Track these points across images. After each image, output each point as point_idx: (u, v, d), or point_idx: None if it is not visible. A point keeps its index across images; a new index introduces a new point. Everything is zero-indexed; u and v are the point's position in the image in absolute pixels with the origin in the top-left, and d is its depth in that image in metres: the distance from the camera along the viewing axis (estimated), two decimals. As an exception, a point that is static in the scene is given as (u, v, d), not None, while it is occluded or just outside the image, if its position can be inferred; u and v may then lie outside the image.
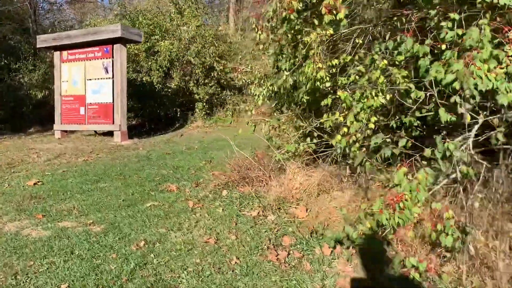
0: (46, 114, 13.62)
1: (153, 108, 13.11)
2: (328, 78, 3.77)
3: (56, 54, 10.24)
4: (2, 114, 13.04)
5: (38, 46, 10.29)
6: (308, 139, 4.60)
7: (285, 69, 3.87)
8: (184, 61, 12.56)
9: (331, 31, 3.74)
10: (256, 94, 5.26)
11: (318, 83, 3.77)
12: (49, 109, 13.39)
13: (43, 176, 5.96)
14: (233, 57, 13.90)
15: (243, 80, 5.57)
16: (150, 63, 12.59)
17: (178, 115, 13.16)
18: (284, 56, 3.84)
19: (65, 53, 10.09)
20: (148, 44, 12.57)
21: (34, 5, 21.07)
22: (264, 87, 5.13)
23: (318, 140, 4.59)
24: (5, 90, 13.40)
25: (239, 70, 5.15)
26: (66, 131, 10.39)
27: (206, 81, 13.00)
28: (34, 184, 5.42)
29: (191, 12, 13.24)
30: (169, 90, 13.13)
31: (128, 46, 10.35)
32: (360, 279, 2.81)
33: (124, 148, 8.64)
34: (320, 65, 3.64)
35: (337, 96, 3.97)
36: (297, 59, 3.79)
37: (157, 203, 4.37)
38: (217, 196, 4.60)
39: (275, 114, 5.98)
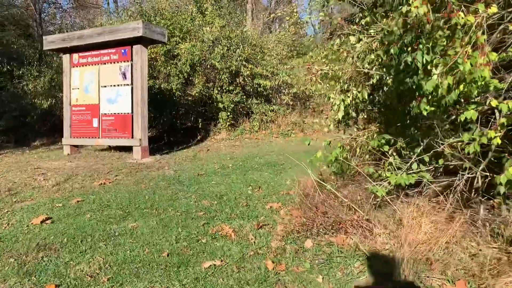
0: (52, 125, 12.50)
1: (172, 118, 11.93)
2: (493, 80, 2.54)
3: (66, 57, 9.10)
4: (4, 125, 11.93)
5: (45, 48, 9.16)
6: (415, 165, 3.36)
7: (426, 63, 2.60)
8: (208, 66, 11.39)
9: (494, 8, 2.52)
10: (335, 104, 4.00)
11: (473, 86, 2.52)
12: (56, 120, 12.28)
13: (52, 208, 4.76)
14: (259, 61, 12.72)
15: (317, 87, 4.28)
16: (169, 68, 11.44)
17: (200, 126, 11.96)
18: (423, 45, 2.58)
19: (75, 56, 8.95)
20: (166, 46, 11.42)
21: (39, 8, 20.15)
22: (348, 94, 3.88)
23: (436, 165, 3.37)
24: (8, 98, 12.31)
25: (312, 71, 3.89)
26: (76, 146, 9.22)
27: (231, 88, 11.81)
28: (42, 222, 4.22)
29: (214, 11, 12.10)
30: (189, 98, 11.95)
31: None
32: None
33: (146, 167, 7.43)
34: (486, 58, 2.40)
35: (488, 107, 2.74)
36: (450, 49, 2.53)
37: (218, 261, 3.11)
38: (300, 250, 3.33)
39: (348, 129, 4.73)
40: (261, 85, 12.20)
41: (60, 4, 28.05)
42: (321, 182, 4.01)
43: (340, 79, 3.88)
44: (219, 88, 11.75)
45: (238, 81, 11.92)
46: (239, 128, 12.13)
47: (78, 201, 5.06)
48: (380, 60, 3.70)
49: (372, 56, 3.74)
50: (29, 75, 12.64)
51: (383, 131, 4.27)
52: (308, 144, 4.44)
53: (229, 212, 4.52)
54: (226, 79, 11.39)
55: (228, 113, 11.71)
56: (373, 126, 4.14)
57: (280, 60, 13.73)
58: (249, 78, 12.22)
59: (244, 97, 12.14)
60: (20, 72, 12.57)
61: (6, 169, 7.27)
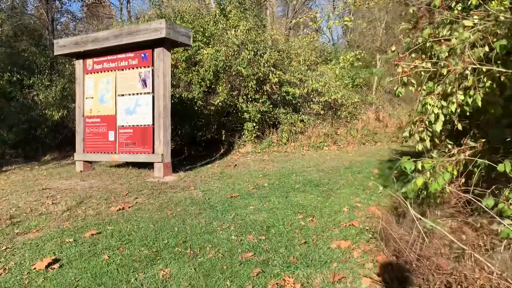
0: (64, 138, 11.74)
1: (193, 130, 11.06)
2: None
3: (78, 63, 8.31)
4: (13, 139, 11.19)
5: (56, 53, 8.39)
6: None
7: None
8: (233, 73, 10.51)
9: None
10: (431, 112, 3.03)
11: None
12: (68, 132, 11.52)
13: (61, 245, 3.86)
14: (286, 67, 11.82)
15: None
16: (190, 75, 10.61)
17: (223, 138, 11.06)
18: None
19: (89, 61, 8.16)
20: (188, 52, 10.61)
21: (51, 16, 19.66)
22: (453, 99, 2.91)
23: None
24: (17, 109, 11.58)
25: (403, 69, 2.94)
26: (90, 162, 8.37)
27: (257, 96, 10.91)
28: (48, 266, 3.33)
29: (238, 14, 11.26)
30: (212, 108, 11.08)
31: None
32: None
33: (170, 187, 6.52)
34: None
35: None
36: None
37: None
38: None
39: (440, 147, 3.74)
40: (290, 93, 11.28)
41: (72, 13, 27.75)
42: (420, 216, 2.99)
43: (441, 79, 2.91)
44: (244, 97, 10.87)
45: (265, 89, 11.02)
46: (266, 140, 11.20)
47: (92, 234, 4.16)
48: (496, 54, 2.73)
49: (487, 49, 2.77)
50: (40, 84, 11.92)
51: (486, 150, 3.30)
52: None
53: (286, 253, 3.55)
54: (253, 86, 10.49)
55: (254, 124, 10.80)
56: (479, 143, 3.14)
57: (308, 67, 12.81)
58: (277, 86, 11.33)
59: (271, 106, 11.22)
60: (31, 82, 11.87)
61: (11, 190, 6.44)
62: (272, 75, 10.65)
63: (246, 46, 10.48)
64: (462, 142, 3.67)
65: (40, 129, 11.61)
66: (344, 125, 12.60)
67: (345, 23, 21.63)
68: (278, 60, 11.43)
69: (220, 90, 10.61)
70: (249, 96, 10.82)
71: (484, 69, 2.69)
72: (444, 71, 2.79)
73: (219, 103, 10.65)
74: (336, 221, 4.49)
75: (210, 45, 10.86)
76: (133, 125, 7.58)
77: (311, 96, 12.16)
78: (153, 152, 7.30)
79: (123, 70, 7.74)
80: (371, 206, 5.05)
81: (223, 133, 11.14)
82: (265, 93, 11.15)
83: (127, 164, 8.38)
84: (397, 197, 3.77)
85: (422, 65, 3.00)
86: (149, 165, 7.85)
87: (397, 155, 10.34)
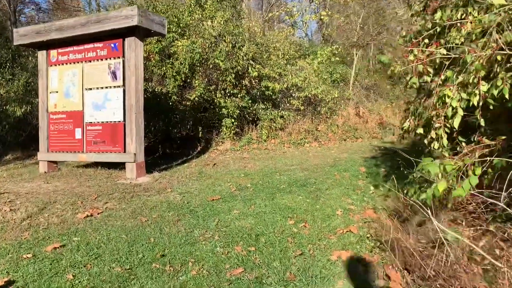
0: (28, 136, 10.94)
1: (167, 126, 10.49)
2: None
3: (42, 54, 7.62)
4: (-30, 137, 10.33)
5: (16, 43, 7.66)
6: None
7: None
8: (210, 66, 9.98)
9: None
10: (449, 106, 2.65)
11: None
12: (32, 129, 10.74)
13: (17, 263, 3.33)
14: (265, 61, 11.37)
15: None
16: (164, 68, 10.02)
17: (200, 135, 10.53)
18: None
19: (53, 52, 7.49)
20: (162, 43, 10.02)
21: (14, 6, 18.57)
22: (475, 91, 2.53)
23: None
24: (-25, 105, 10.71)
25: (416, 56, 2.53)
26: (55, 162, 7.71)
27: (236, 91, 10.43)
28: (-2, 292, 2.80)
29: (214, 4, 10.72)
30: (187, 103, 10.53)
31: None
32: None
33: (144, 189, 5.98)
34: None
35: None
36: None
37: None
38: None
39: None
40: (269, 88, 10.85)
41: (37, 3, 26.46)
42: (443, 227, 2.60)
43: (462, 67, 2.53)
44: (222, 92, 10.36)
45: (243, 84, 10.56)
46: (245, 137, 10.74)
47: (55, 248, 3.62)
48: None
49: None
50: (0, 78, 11.06)
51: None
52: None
53: (281, 268, 3.12)
54: (232, 81, 10.00)
55: (233, 120, 10.32)
56: (497, 140, 2.79)
57: (287, 61, 12.40)
58: (256, 80, 10.88)
59: (250, 101, 10.76)
60: (-10, 75, 11.00)
61: (-37, 195, 5.76)
62: (251, 69, 10.19)
63: (224, 38, 9.97)
64: (473, 139, 3.32)
65: (1, 126, 10.77)
66: (325, 121, 12.27)
67: (322, 17, 21.39)
68: (256, 53, 10.97)
69: (197, 84, 10.06)
70: (227, 91, 10.33)
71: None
72: (469, 57, 2.41)
73: (196, 98, 10.11)
74: (331, 227, 4.09)
75: (185, 37, 10.29)
76: (102, 122, 6.98)
77: (291, 91, 11.77)
78: (125, 151, 6.73)
79: (91, 61, 7.11)
80: (366, 209, 4.68)
81: (199, 129, 10.61)
82: (244, 87, 10.68)
83: (96, 164, 7.75)
84: (414, 203, 3.39)
85: (440, 51, 2.61)
86: (120, 165, 7.26)
87: (381, 151, 10.11)
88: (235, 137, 10.67)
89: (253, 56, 10.62)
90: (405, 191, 4.07)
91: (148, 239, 3.83)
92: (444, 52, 2.62)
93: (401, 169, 7.32)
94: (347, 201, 5.12)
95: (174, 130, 10.68)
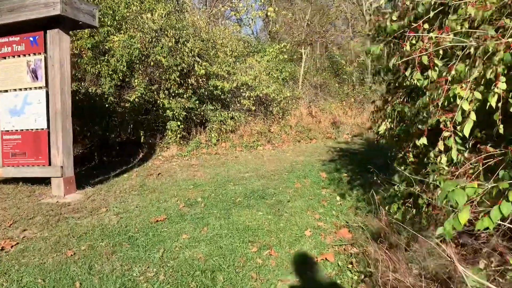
0: None
1: (104, 131, 9.44)
2: None
3: None
4: None
5: None
6: None
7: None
8: (151, 63, 9.06)
9: None
10: (459, 108, 2.10)
11: None
12: None
13: None
14: (212, 58, 10.62)
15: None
16: (98, 66, 8.97)
17: (142, 140, 9.59)
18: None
19: (-41, 47, 6.29)
20: (95, 38, 8.96)
21: None
22: (495, 90, 1.97)
23: None
24: None
25: (421, 46, 1.93)
26: (-37, 179, 6.51)
27: (181, 90, 9.59)
28: None
29: (153, -4, 9.82)
30: (127, 105, 9.54)
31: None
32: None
33: (73, 210, 5.06)
34: None
35: None
36: None
37: None
38: None
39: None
40: (218, 88, 10.12)
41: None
42: (471, 275, 2.01)
43: (476, 59, 1.96)
44: (166, 92, 9.48)
45: (189, 83, 9.74)
46: (193, 141, 9.94)
47: None
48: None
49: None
50: None
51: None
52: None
53: (248, 323, 2.42)
54: (176, 79, 9.15)
55: (179, 123, 9.48)
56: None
57: (236, 58, 11.71)
58: (203, 79, 10.10)
59: (198, 102, 9.96)
60: None
61: None
62: (197, 67, 9.40)
63: (166, 32, 9.10)
64: (468, 146, 2.81)
65: None
66: (277, 122, 11.73)
67: (269, 13, 20.96)
68: (203, 50, 10.19)
69: (136, 83, 9.12)
70: (171, 91, 9.46)
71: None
72: (491, 44, 1.84)
73: (136, 99, 9.16)
74: (303, 254, 3.45)
75: (122, 31, 9.30)
76: (22, 130, 5.92)
77: (241, 90, 11.10)
78: (50, 164, 5.72)
79: (5, 58, 6.02)
80: (338, 227, 4.09)
81: (141, 134, 9.66)
82: (190, 87, 9.87)
83: (16, 180, 6.63)
84: (398, 223, 2.82)
85: (449, 37, 2.03)
86: (46, 180, 6.23)
87: (338, 152, 9.72)
88: (181, 142, 9.83)
89: (199, 52, 9.84)
90: (386, 207, 3.53)
91: (73, 284, 3.00)
92: (450, 38, 2.04)
93: (366, 173, 6.89)
94: (314, 217, 4.52)
95: (112, 135, 9.64)
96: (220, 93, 10.25)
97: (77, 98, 8.87)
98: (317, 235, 3.91)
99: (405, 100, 3.70)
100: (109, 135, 9.61)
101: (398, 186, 3.38)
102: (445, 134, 2.15)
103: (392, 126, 3.80)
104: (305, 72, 17.78)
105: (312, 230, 4.03)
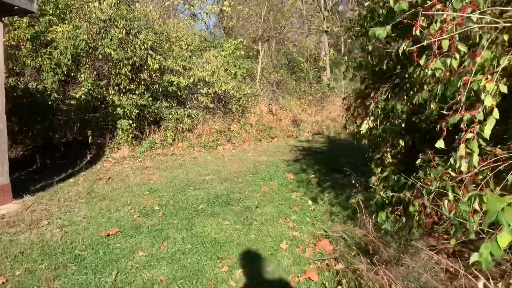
0: None
1: (47, 131, 8.60)
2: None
3: None
4: None
5: None
6: None
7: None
8: (99, 56, 8.31)
9: None
10: (486, 105, 1.73)
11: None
12: None
13: None
14: (167, 51, 10.00)
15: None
16: (40, 59, 8.13)
17: (90, 141, 8.83)
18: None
19: None
20: (35, 28, 8.10)
21: None
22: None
23: None
24: None
25: (442, 27, 1.56)
26: None
27: (132, 86, 8.91)
28: None
29: (101, -17, 9.03)
30: (72, 102, 8.73)
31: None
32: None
33: (8, 224, 4.37)
34: None
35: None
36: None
37: None
38: None
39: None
40: (173, 83, 9.52)
41: None
42: None
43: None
44: (116, 87, 8.77)
45: (142, 78, 9.07)
46: (147, 141, 9.29)
47: None
48: None
49: None
50: None
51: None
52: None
53: None
54: (127, 74, 8.47)
55: (131, 121, 8.81)
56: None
57: (192, 52, 11.14)
58: (157, 74, 9.46)
59: (151, 99, 9.32)
60: None
61: None
62: (151, 60, 8.76)
63: (116, 23, 8.39)
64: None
65: None
66: (237, 120, 11.27)
67: (224, 7, 20.44)
68: (156, 43, 9.55)
69: (83, 78, 8.34)
70: (122, 87, 8.76)
71: None
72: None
73: (82, 96, 8.38)
74: (279, 272, 3.03)
75: (66, 21, 8.48)
76: None
77: (198, 86, 10.53)
78: (-21, 171, 4.97)
79: None
80: (316, 237, 3.71)
81: (89, 133, 8.88)
82: (143, 82, 9.20)
83: None
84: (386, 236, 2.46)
85: (476, 15, 1.67)
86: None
87: (301, 151, 9.41)
88: (134, 142, 9.16)
89: (152, 45, 9.20)
90: (373, 216, 3.18)
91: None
92: (476, 18, 1.68)
93: (333, 173, 6.60)
94: (288, 225, 4.12)
95: (56, 135, 8.80)
96: (175, 89, 9.65)
97: (15, 94, 8.00)
98: (294, 247, 3.52)
99: (389, 96, 3.37)
100: (53, 135, 8.78)
101: (386, 191, 3.04)
102: (468, 135, 1.80)
103: (374, 124, 3.46)
104: (262, 69, 17.45)
105: (288, 242, 3.62)
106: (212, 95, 10.46)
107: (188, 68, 10.27)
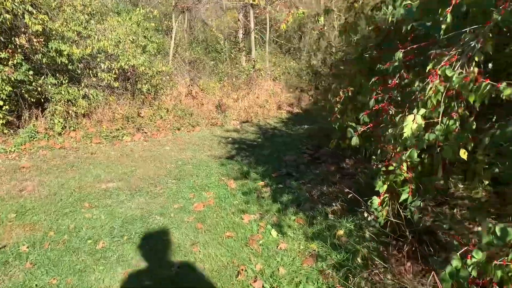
0: None
1: None
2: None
3: None
4: None
5: None
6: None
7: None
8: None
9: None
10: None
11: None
12: None
13: None
14: (56, 12, 7.77)
15: None
16: None
17: None
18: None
19: None
20: None
21: None
22: None
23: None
24: None
25: None
26: None
27: (4, 55, 6.63)
28: None
29: None
30: None
31: None
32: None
33: None
34: None
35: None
36: None
37: None
38: None
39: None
40: (64, 54, 7.36)
41: None
42: None
43: None
44: (-22, 55, 6.41)
45: (18, 44, 6.80)
46: (26, 129, 7.06)
47: None
48: None
49: None
50: None
51: None
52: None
53: None
54: (-6, 37, 6.19)
55: (1, 102, 6.56)
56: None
57: (91, 16, 8.91)
58: (41, 40, 7.21)
59: (32, 73, 7.07)
60: None
61: None
62: (30, 19, 6.53)
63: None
64: None
65: None
66: (149, 104, 9.32)
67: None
68: (40, -2, 7.27)
69: None
70: (-13, 55, 6.43)
71: None
72: None
73: None
74: None
75: None
76: None
77: (99, 60, 8.38)
78: None
79: None
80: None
81: None
82: (19, 50, 6.93)
83: None
84: None
85: None
86: None
87: (232, 144, 7.86)
88: (6, 130, 6.90)
89: (33, 1, 6.93)
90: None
91: None
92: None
93: (285, 176, 5.15)
94: (253, 285, 2.54)
95: None
96: (66, 61, 7.47)
97: None
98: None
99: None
100: None
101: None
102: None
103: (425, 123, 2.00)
104: (176, 44, 15.52)
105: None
106: (117, 71, 8.40)
107: (85, 35, 8.12)
